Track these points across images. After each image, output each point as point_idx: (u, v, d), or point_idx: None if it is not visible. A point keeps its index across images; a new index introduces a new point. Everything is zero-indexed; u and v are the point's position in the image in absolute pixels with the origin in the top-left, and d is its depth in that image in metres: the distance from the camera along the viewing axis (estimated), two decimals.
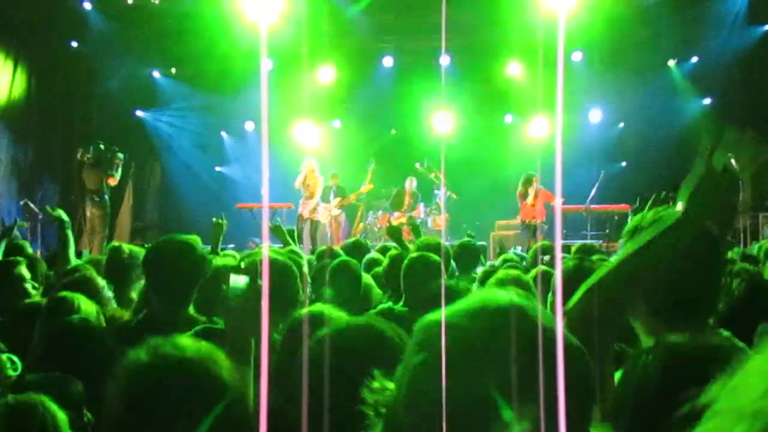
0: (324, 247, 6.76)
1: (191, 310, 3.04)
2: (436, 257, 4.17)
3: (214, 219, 5.51)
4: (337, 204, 13.37)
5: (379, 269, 4.92)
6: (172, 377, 1.48)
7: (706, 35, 13.25)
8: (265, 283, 2.09)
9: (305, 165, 12.62)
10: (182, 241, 3.11)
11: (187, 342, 1.57)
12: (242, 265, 2.27)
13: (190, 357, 1.51)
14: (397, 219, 13.03)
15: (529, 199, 11.84)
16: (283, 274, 2.96)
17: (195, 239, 3.19)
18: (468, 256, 5.51)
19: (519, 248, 9.92)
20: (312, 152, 13.77)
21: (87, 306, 2.97)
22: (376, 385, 1.12)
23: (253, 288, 2.11)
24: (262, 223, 12.36)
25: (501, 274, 3.62)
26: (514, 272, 3.76)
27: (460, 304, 1.02)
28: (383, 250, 5.70)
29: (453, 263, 5.27)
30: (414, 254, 4.28)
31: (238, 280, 2.14)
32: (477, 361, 0.95)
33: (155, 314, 2.96)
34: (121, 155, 11.20)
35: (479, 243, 11.22)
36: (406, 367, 1.02)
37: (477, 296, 1.04)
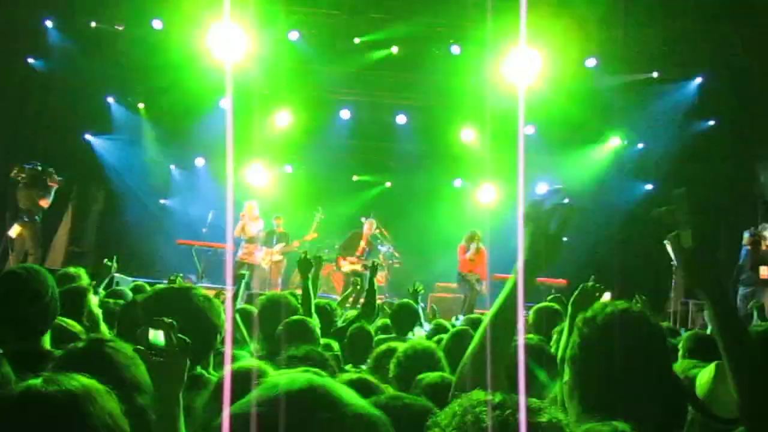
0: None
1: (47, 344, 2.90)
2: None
3: (104, 261, 5.46)
4: (280, 250, 13.24)
5: None
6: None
7: (654, 123, 13.72)
8: (228, 325, 2.05)
9: (246, 211, 12.52)
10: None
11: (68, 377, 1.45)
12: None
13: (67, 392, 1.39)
14: (351, 264, 12.50)
15: (469, 254, 11.96)
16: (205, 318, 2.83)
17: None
18: (405, 316, 5.41)
19: (461, 317, 9.72)
20: (260, 194, 13.74)
21: None
22: None
23: (172, 343, 2.05)
24: (226, 267, 12.19)
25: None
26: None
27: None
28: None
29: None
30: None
31: (158, 336, 2.05)
32: None
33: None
34: (57, 177, 10.97)
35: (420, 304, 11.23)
36: None
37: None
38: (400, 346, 3.52)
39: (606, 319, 1.94)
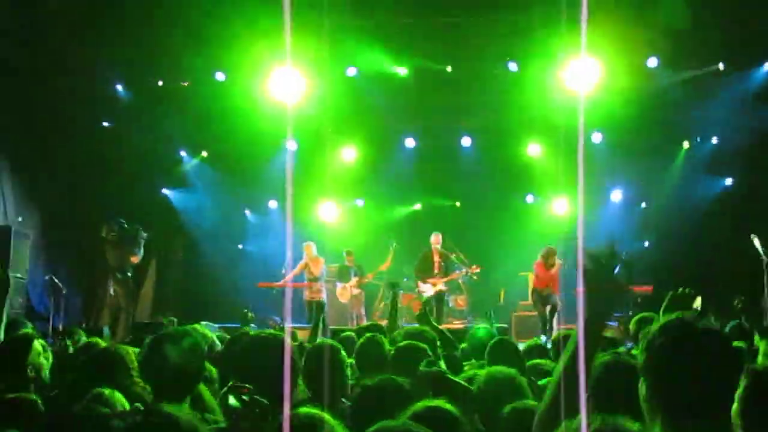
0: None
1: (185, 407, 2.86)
2: (422, 345, 4.11)
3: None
4: (356, 283, 13.32)
5: None
6: None
7: (724, 116, 13.32)
8: (287, 364, 2.08)
9: (306, 252, 12.49)
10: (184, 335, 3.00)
11: None
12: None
13: None
14: (433, 285, 12.10)
15: (554, 270, 11.73)
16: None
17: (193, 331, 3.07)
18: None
19: (543, 338, 9.48)
20: (333, 230, 13.94)
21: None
22: None
23: (249, 407, 2.09)
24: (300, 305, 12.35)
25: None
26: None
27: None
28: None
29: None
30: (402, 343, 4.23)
31: (236, 400, 2.09)
32: None
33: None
34: (144, 234, 11.32)
35: (502, 325, 11.12)
36: None
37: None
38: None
39: (668, 332, 1.98)
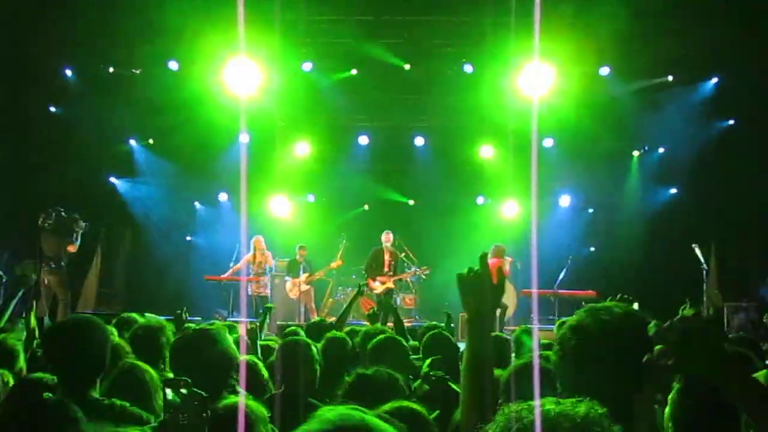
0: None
1: (96, 393, 2.93)
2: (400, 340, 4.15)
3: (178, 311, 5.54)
4: (306, 279, 13.23)
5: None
6: None
7: (672, 127, 13.62)
8: (242, 366, 2.05)
9: (254, 244, 12.49)
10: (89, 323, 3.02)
11: None
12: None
13: None
14: (382, 283, 12.04)
15: (508, 269, 11.98)
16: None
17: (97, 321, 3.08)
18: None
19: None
20: (284, 225, 13.84)
21: None
22: None
23: (188, 400, 2.07)
24: (250, 301, 12.24)
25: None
26: None
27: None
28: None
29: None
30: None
31: (175, 394, 2.06)
32: None
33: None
34: (82, 223, 11.05)
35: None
36: None
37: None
38: None
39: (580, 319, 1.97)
